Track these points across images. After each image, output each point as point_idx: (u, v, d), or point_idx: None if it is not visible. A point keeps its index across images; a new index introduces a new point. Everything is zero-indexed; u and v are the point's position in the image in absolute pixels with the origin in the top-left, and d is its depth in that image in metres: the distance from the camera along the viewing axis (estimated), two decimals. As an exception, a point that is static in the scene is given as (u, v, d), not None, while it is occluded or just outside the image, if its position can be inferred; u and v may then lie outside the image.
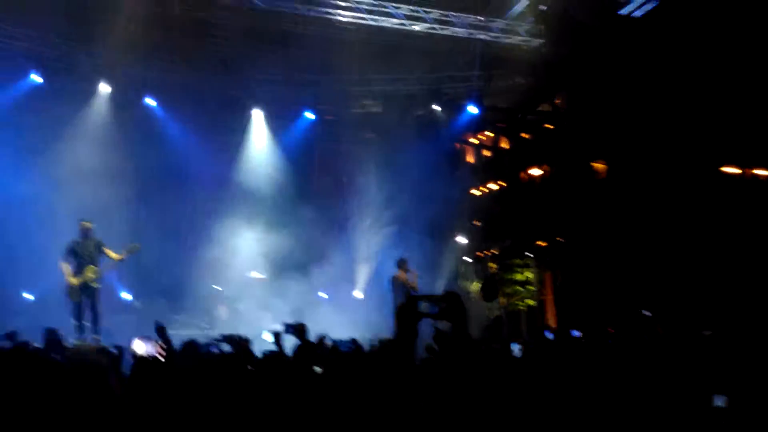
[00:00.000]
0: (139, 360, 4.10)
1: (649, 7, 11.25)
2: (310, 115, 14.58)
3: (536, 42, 12.80)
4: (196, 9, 11.75)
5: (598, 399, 3.16)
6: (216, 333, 7.35)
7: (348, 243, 14.63)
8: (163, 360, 4.28)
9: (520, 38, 12.83)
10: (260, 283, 13.61)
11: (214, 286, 13.30)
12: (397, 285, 11.57)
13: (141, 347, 5.47)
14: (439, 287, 13.19)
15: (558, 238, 12.93)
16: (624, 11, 11.45)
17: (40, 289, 10.86)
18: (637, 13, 11.42)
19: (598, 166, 12.56)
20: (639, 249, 10.73)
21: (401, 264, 11.75)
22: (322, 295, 13.83)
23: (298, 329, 4.85)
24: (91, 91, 12.85)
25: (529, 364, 4.55)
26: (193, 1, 11.46)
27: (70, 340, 7.50)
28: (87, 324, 9.66)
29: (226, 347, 5.07)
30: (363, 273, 14.62)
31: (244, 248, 13.48)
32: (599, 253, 11.45)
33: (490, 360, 4.53)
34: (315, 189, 15.35)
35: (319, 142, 15.21)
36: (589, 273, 11.65)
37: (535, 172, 13.72)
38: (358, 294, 14.49)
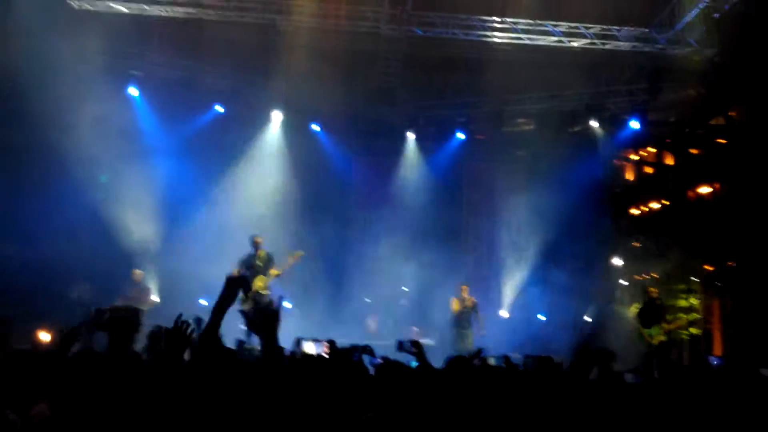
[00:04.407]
0: (309, 358, 4.59)
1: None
2: (460, 135, 14.65)
3: (708, 51, 11.96)
4: (362, 42, 12.43)
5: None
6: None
7: (496, 262, 14.58)
8: (328, 358, 4.72)
9: (689, 48, 12.06)
10: (407, 298, 14.06)
11: (365, 299, 13.90)
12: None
13: (311, 348, 6.13)
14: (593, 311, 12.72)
15: (729, 263, 11.89)
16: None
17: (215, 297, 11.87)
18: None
19: (781, 184, 11.42)
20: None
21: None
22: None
23: (416, 347, 4.30)
24: (266, 119, 13.98)
25: (693, 396, 4.29)
26: (360, 36, 12.12)
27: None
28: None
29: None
30: (509, 292, 14.49)
31: (395, 264, 13.87)
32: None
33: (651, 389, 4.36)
34: (464, 207, 15.46)
35: (469, 161, 15.27)
36: (766, 301, 10.59)
37: (705, 189, 12.77)
38: (503, 313, 14.39)
